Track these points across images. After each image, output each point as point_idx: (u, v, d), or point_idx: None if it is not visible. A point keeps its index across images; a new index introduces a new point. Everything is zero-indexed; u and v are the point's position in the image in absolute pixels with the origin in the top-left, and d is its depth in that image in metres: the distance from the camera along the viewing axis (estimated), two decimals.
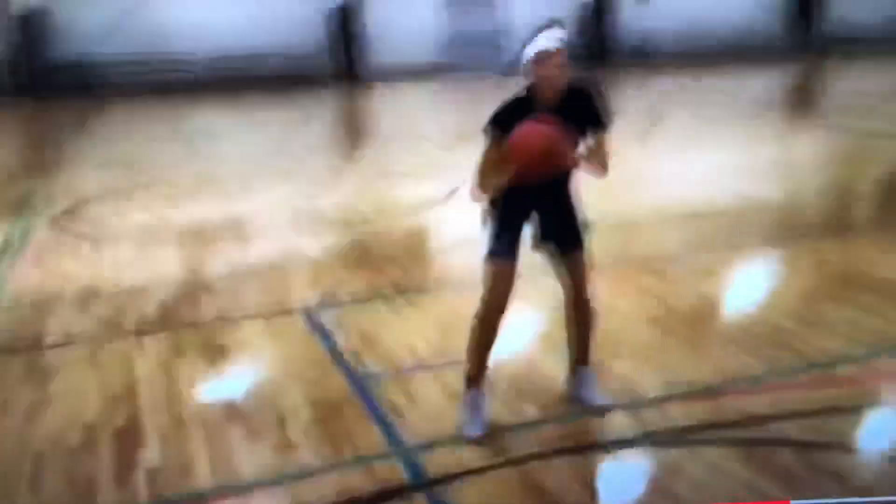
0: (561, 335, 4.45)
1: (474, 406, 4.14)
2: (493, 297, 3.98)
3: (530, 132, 3.71)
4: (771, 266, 6.98)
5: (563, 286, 4.15)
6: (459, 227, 8.22)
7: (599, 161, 3.92)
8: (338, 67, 24.60)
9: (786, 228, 8.05)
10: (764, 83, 22.02)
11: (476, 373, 4.15)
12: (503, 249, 3.97)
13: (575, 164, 3.81)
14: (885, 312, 5.57)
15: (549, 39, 3.76)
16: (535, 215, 4.03)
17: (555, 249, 4.09)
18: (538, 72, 3.77)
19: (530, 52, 3.77)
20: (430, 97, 22.55)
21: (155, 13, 23.25)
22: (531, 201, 3.98)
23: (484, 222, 4.02)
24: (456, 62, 25.75)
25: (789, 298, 5.92)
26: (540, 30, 3.82)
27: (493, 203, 4.00)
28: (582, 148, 3.87)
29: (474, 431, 4.08)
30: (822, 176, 10.62)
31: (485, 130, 3.89)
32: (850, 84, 21.04)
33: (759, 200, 9.02)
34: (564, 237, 4.06)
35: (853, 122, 14.01)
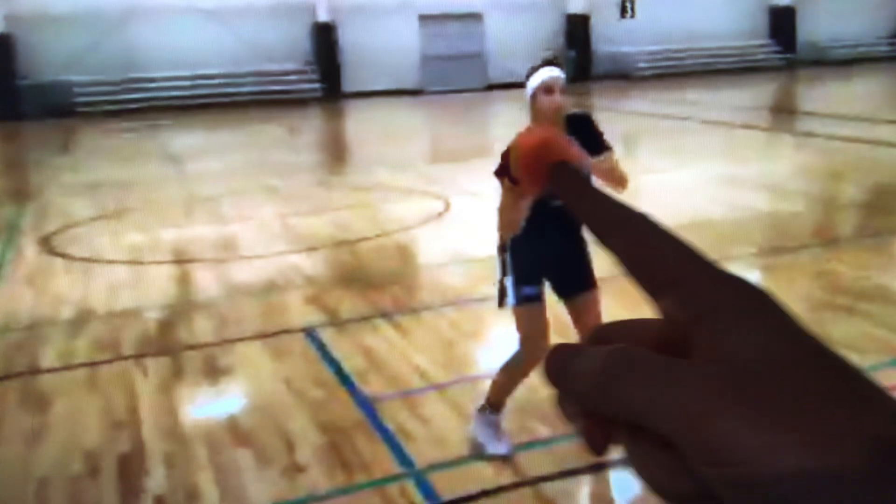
0: None
1: (497, 425, 4.12)
2: (535, 341, 3.98)
3: (528, 135, 3.80)
4: (769, 276, 6.98)
5: (579, 331, 4.15)
6: (454, 242, 8.20)
7: (616, 175, 3.92)
8: (320, 85, 24.59)
9: (779, 237, 8.07)
10: (747, 95, 22.23)
11: (504, 401, 4.15)
12: (532, 294, 3.96)
13: (583, 160, 3.80)
14: (888, 321, 5.58)
15: (552, 71, 3.88)
16: (551, 261, 4.03)
17: (569, 292, 4.09)
18: (545, 100, 3.82)
19: (536, 82, 3.85)
20: (412, 114, 22.59)
21: (133, 36, 23.17)
22: (548, 240, 3.97)
23: (503, 273, 4.01)
24: (435, 80, 25.83)
25: (793, 309, 5.91)
26: (538, 66, 3.92)
27: (513, 250, 3.98)
28: (594, 160, 3.88)
29: (503, 449, 4.05)
30: (811, 184, 10.68)
31: (496, 174, 3.89)
32: (832, 94, 21.27)
33: (749, 210, 9.05)
34: (579, 277, 4.06)
35: (838, 130, 14.12)
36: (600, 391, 0.34)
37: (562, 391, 0.36)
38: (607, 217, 0.38)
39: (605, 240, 0.38)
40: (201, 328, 6.18)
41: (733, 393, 0.32)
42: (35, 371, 5.54)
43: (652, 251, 0.37)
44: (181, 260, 8.14)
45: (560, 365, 0.36)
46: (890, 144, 12.79)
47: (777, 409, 0.31)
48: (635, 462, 0.36)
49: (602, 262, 4.42)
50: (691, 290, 0.35)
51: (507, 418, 4.21)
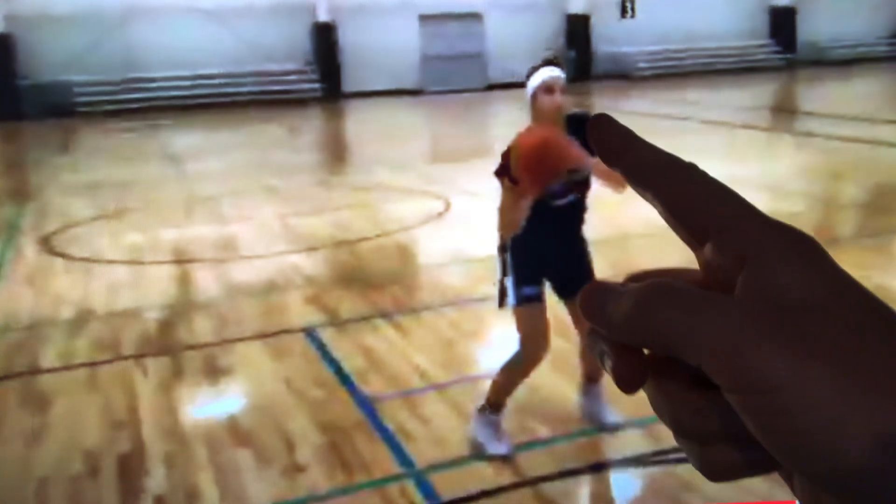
0: (570, 353, 4.42)
1: (497, 425, 4.11)
2: (535, 341, 3.98)
3: (528, 135, 3.81)
4: None
5: (580, 331, 4.15)
6: (454, 242, 8.20)
7: (616, 175, 3.92)
8: (320, 85, 24.58)
9: None
10: (747, 95, 22.22)
11: (504, 401, 4.14)
12: (533, 294, 3.96)
13: (582, 161, 3.80)
14: None
15: (552, 71, 3.89)
16: (551, 261, 4.03)
17: (569, 293, 4.09)
18: (545, 100, 3.83)
19: (536, 81, 3.86)
20: (412, 114, 22.59)
21: (133, 36, 23.16)
22: (548, 240, 3.98)
23: (504, 273, 4.01)
24: (435, 80, 25.82)
25: None
26: (539, 66, 3.93)
27: (513, 250, 3.97)
28: (594, 160, 3.88)
29: (503, 449, 4.05)
30: (811, 184, 10.69)
31: (497, 174, 3.89)
32: (832, 94, 21.27)
33: None
34: (579, 278, 4.06)
35: (838, 130, 14.12)
36: (635, 321, 0.34)
37: (596, 324, 0.36)
38: (652, 165, 0.37)
39: (649, 188, 0.37)
40: (201, 328, 6.18)
41: (773, 325, 0.32)
42: (35, 371, 5.54)
43: (697, 197, 0.36)
44: (181, 260, 8.14)
45: (596, 298, 0.35)
46: (890, 144, 12.79)
47: (816, 343, 0.31)
48: (660, 402, 0.36)
49: (602, 262, 4.43)
50: (737, 234, 0.35)
51: (507, 418, 4.21)
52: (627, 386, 0.36)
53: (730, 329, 0.32)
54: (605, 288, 0.35)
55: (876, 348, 0.31)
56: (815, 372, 0.30)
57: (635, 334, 0.34)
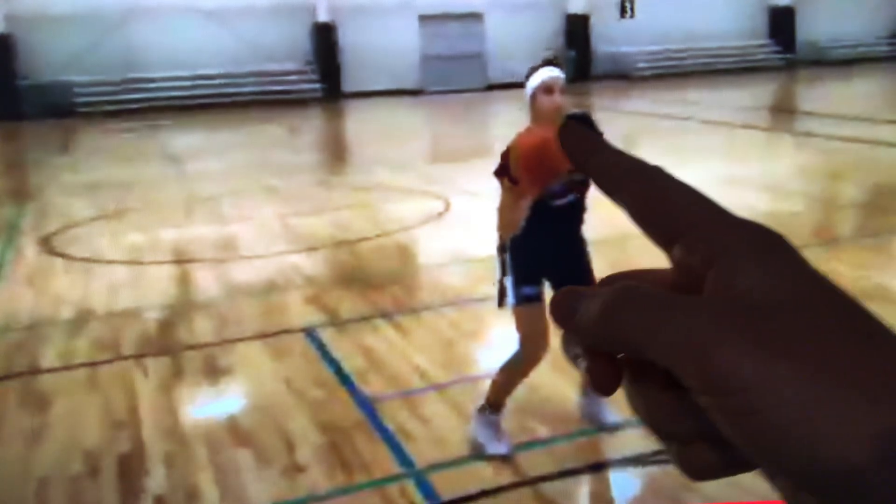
0: None
1: (497, 425, 4.11)
2: (535, 341, 3.98)
3: (528, 135, 3.82)
4: None
5: None
6: (454, 242, 8.20)
7: None
8: (320, 85, 24.58)
9: None
10: (747, 95, 22.22)
11: (504, 401, 4.14)
12: (532, 294, 3.97)
13: None
14: (888, 321, 5.56)
15: (552, 71, 3.90)
16: (550, 261, 4.03)
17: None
18: (545, 101, 3.84)
19: (535, 82, 3.86)
20: (412, 114, 22.58)
21: (133, 36, 23.16)
22: (548, 240, 3.98)
23: (503, 273, 4.01)
24: (435, 80, 25.82)
25: None
26: (538, 66, 3.94)
27: (513, 250, 3.98)
28: None
29: (502, 449, 4.05)
30: (811, 184, 10.69)
31: (496, 174, 3.90)
32: (832, 94, 21.27)
33: (749, 210, 9.04)
34: (579, 278, 4.07)
35: (838, 130, 14.12)
36: (603, 325, 0.34)
37: (567, 331, 0.36)
38: (619, 169, 0.38)
39: (617, 192, 0.37)
40: (201, 328, 6.18)
41: (739, 326, 0.32)
42: (35, 371, 5.54)
43: (665, 199, 0.36)
44: (181, 260, 8.14)
45: (566, 304, 0.36)
46: (890, 144, 12.79)
47: (782, 342, 0.31)
48: (637, 403, 0.36)
49: (601, 262, 4.43)
50: (703, 234, 0.35)
51: (507, 418, 4.21)
52: (602, 389, 0.36)
53: (695, 331, 0.32)
54: (576, 293, 0.36)
55: (843, 345, 0.31)
56: (782, 371, 0.30)
57: (604, 338, 0.34)
